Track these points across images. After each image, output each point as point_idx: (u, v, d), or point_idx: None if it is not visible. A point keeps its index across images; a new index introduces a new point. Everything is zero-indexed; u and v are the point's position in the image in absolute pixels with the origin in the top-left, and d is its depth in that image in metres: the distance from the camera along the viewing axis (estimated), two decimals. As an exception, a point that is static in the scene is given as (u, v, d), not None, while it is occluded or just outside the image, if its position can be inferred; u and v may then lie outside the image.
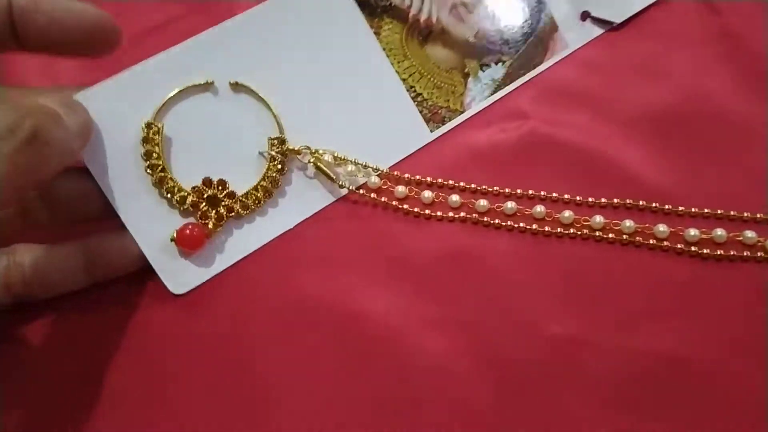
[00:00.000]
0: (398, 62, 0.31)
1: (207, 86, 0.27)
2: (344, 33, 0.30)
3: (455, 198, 0.30)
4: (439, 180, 0.30)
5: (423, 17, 0.32)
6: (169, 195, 0.26)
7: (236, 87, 0.27)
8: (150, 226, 0.26)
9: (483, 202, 0.30)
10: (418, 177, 0.29)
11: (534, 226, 0.29)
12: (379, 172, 0.29)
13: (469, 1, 0.33)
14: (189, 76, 0.27)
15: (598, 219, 0.29)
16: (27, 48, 0.23)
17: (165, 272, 0.27)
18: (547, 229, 0.29)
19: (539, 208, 0.29)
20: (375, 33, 0.31)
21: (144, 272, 0.26)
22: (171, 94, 0.27)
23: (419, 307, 0.27)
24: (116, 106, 0.26)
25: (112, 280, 0.26)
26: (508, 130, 0.31)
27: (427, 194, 0.29)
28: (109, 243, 0.25)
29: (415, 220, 0.30)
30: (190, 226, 0.26)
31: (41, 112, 0.20)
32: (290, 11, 0.29)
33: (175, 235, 0.26)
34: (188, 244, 0.26)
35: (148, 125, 0.26)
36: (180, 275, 0.27)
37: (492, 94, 0.32)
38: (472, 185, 0.30)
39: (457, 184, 0.30)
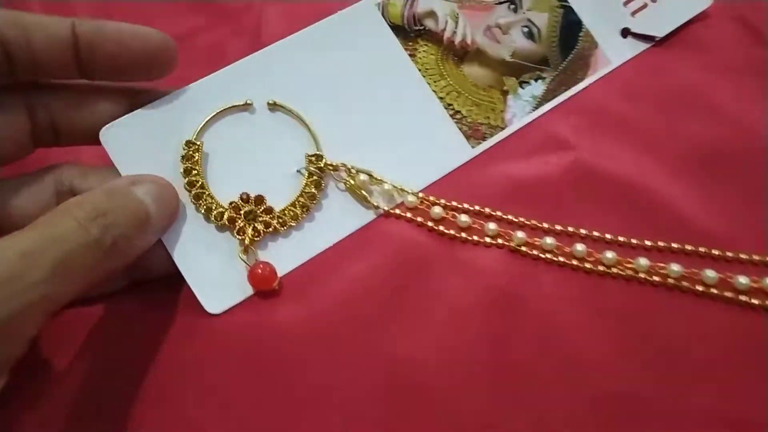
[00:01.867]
0: (435, 82, 0.31)
1: (245, 106, 0.27)
2: (380, 55, 0.30)
3: (492, 226, 0.28)
4: (476, 207, 0.28)
5: (458, 39, 0.32)
6: (206, 210, 0.26)
7: (274, 107, 0.28)
8: (186, 241, 0.26)
9: (520, 234, 0.28)
10: (454, 203, 0.28)
11: (574, 262, 0.27)
12: (416, 192, 0.28)
13: (503, 22, 0.33)
14: (228, 98, 0.27)
15: (643, 261, 0.26)
16: (90, 76, 0.23)
17: (201, 289, 0.26)
18: (587, 266, 0.27)
19: (580, 247, 0.28)
20: (410, 55, 0.31)
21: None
22: (211, 115, 0.27)
23: (461, 349, 0.25)
24: (159, 127, 0.26)
25: (151, 283, 0.25)
26: (551, 161, 0.29)
27: (464, 218, 0.28)
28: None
29: (449, 243, 0.28)
30: (261, 265, 0.25)
31: (127, 215, 0.21)
32: (327, 37, 0.30)
33: (248, 273, 0.25)
34: (259, 283, 0.25)
35: (188, 143, 0.26)
36: (216, 293, 0.26)
37: (533, 111, 0.32)
38: (510, 216, 0.28)
39: (494, 213, 0.28)
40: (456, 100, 0.31)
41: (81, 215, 0.19)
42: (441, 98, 0.30)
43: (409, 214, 0.28)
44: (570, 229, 0.28)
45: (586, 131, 0.31)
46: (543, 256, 0.27)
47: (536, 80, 0.32)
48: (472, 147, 0.30)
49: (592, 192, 0.28)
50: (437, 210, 0.28)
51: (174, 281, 0.26)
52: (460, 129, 0.31)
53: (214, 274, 0.26)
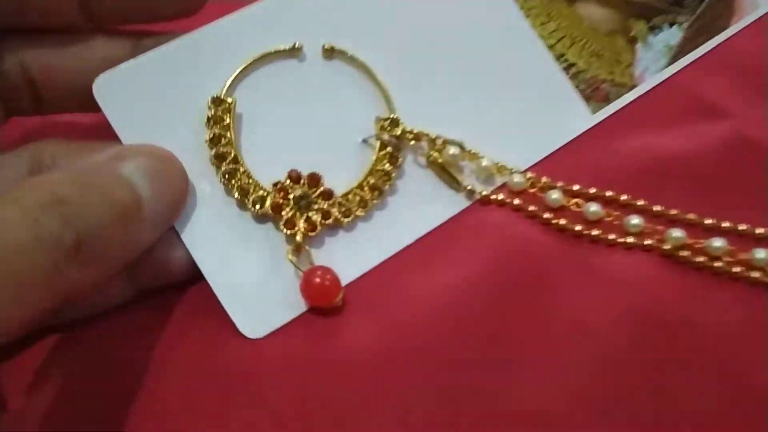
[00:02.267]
0: (541, 25, 0.23)
1: (293, 52, 0.21)
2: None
3: (635, 221, 0.21)
4: (609, 193, 0.21)
5: (568, -30, 0.24)
6: (241, 194, 0.19)
7: (331, 53, 0.21)
8: (214, 237, 0.19)
9: (677, 233, 0.20)
10: (577, 186, 0.20)
11: (755, 275, 0.20)
12: (523, 171, 0.22)
13: (628, -53, 0.25)
14: (269, 40, 0.21)
15: None
16: (99, 19, 0.19)
17: (235, 305, 0.19)
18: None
19: (761, 254, 0.20)
20: (509, -11, 0.23)
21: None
22: (246, 63, 0.21)
23: (603, 399, 0.18)
24: (175, 78, 0.20)
25: (164, 294, 0.19)
26: (700, 132, 0.23)
27: (594, 208, 0.21)
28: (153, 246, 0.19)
29: (574, 242, 0.20)
30: (319, 272, 0.19)
31: (103, 202, 0.16)
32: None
33: (300, 283, 0.19)
34: (317, 296, 0.19)
35: (217, 101, 0.20)
36: (257, 310, 0.19)
37: (669, 65, 0.24)
38: (658, 207, 0.21)
39: (635, 202, 0.21)
40: (569, 49, 0.23)
41: (31, 202, 0.14)
42: (550, 46, 0.23)
43: (516, 201, 0.20)
44: (743, 227, 0.20)
45: (737, 93, 0.24)
46: (712, 264, 0.19)
47: (670, 26, 0.24)
48: (593, 112, 0.22)
49: (762, 174, 0.21)
50: (555, 195, 0.21)
51: (197, 291, 0.19)
52: (576, 87, 0.23)
53: (252, 283, 0.19)
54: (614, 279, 0.20)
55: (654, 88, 0.24)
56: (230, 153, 0.20)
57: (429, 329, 0.19)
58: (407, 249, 0.20)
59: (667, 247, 0.20)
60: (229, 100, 0.20)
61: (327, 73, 0.21)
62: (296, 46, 0.21)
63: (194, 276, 0.19)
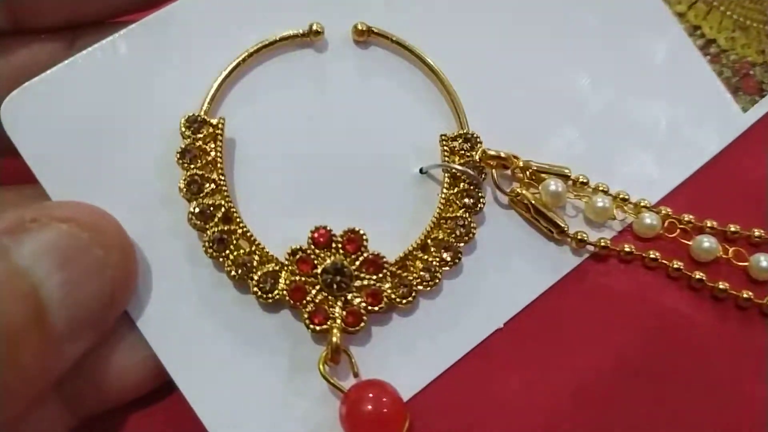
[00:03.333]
0: (663, -17, 0.16)
1: (309, 38, 0.14)
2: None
3: None
4: None
5: None
6: (238, 270, 0.13)
7: (366, 38, 0.14)
8: (197, 339, 0.13)
9: None
10: (734, 228, 0.15)
11: None
12: (654, 208, 0.15)
13: None
14: (272, 22, 0.14)
15: None
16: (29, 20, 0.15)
17: None
18: None
19: None
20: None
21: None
22: (238, 59, 0.14)
23: None
24: (121, 89, 0.14)
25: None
26: None
27: (765, 263, 0.15)
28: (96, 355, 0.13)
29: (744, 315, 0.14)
30: (372, 394, 0.13)
31: None
32: None
33: (343, 411, 0.13)
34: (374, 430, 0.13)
35: (195, 122, 0.13)
36: None
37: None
38: None
39: None
40: (705, 19, 0.16)
41: None
42: (680, 15, 0.15)
43: (653, 255, 0.14)
44: None
45: None
46: None
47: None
48: (743, 110, 0.15)
49: None
50: (706, 243, 0.14)
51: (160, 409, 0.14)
52: (719, 75, 0.16)
53: (263, 409, 0.13)
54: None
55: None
56: (220, 206, 0.12)
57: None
58: (499, 334, 0.14)
59: None
60: (215, 120, 0.13)
61: (361, 68, 0.14)
62: (315, 28, 0.14)
63: (159, 387, 0.13)
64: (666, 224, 0.15)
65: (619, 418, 0.14)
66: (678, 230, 0.15)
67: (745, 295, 0.15)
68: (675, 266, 0.15)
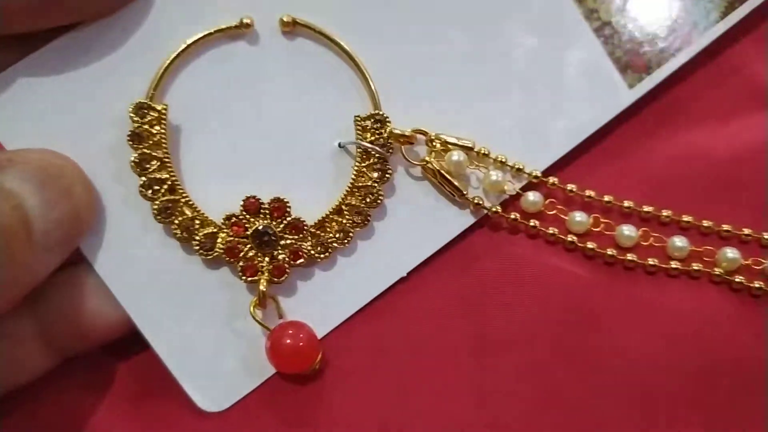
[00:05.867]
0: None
1: (241, 30, 0.16)
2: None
3: (680, 243, 0.17)
4: (647, 209, 0.17)
5: None
6: (184, 233, 0.15)
7: (292, 29, 0.16)
8: (155, 288, 0.16)
9: (731, 254, 0.17)
10: (608, 198, 0.17)
11: None
12: (543, 176, 0.17)
13: None
14: (207, 16, 0.16)
15: None
16: None
17: (187, 374, 0.15)
18: None
19: None
20: None
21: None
22: (177, 51, 0.16)
23: None
24: (77, 79, 0.15)
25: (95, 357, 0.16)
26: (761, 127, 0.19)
27: (628, 232, 0.17)
28: (72, 299, 0.16)
29: (622, 275, 0.17)
30: (290, 331, 0.15)
31: None
32: None
33: (267, 345, 0.15)
34: (289, 361, 0.15)
35: (142, 108, 0.15)
36: (214, 379, 0.16)
37: (722, 18, 0.19)
38: (724, 227, 0.17)
39: (691, 221, 0.17)
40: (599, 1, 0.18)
41: None
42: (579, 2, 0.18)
43: (533, 222, 0.16)
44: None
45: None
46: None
47: (727, -37, 0.19)
48: (630, 86, 0.17)
49: None
50: (579, 217, 0.17)
51: (136, 357, 0.16)
52: (610, 55, 0.18)
53: (207, 346, 0.16)
54: (677, 318, 0.16)
55: (704, 67, 0.19)
56: (165, 180, 0.15)
57: (435, 395, 0.15)
58: (400, 285, 0.17)
59: (719, 271, 0.16)
60: (159, 106, 0.15)
61: (288, 57, 0.16)
62: (244, 21, 0.16)
63: (129, 333, 0.16)
64: (547, 202, 0.17)
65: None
66: (556, 209, 0.17)
67: (609, 252, 0.17)
68: (551, 232, 0.17)
